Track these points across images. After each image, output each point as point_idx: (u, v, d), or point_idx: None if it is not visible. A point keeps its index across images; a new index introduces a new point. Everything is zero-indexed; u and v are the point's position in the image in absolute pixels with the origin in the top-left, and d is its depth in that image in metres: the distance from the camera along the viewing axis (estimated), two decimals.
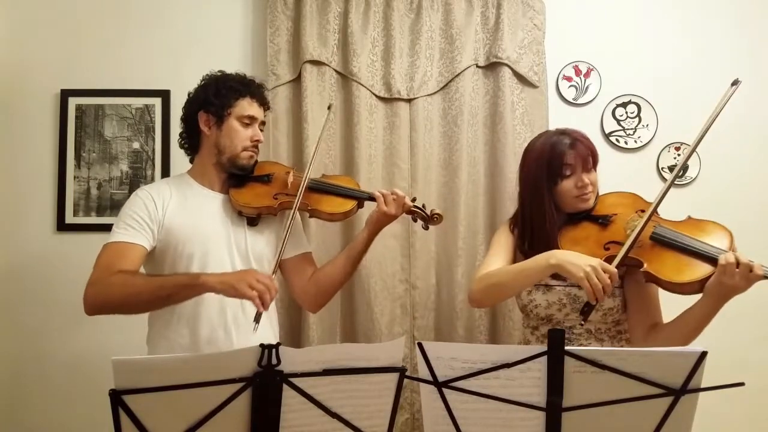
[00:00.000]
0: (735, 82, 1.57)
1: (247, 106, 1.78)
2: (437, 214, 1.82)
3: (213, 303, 1.68)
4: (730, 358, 2.07)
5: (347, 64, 2.36)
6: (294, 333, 2.34)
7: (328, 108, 2.01)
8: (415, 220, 1.87)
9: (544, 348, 1.17)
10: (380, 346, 1.53)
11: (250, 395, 1.15)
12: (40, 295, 2.39)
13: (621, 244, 1.58)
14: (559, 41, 2.46)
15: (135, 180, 2.41)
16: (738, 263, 1.43)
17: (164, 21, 2.46)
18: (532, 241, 1.72)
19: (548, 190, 1.69)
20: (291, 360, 1.16)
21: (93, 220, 2.41)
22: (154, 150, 2.43)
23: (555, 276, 1.66)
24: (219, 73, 1.83)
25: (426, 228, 1.87)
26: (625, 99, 2.47)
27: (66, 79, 2.43)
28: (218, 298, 1.66)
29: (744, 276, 1.43)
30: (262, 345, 1.14)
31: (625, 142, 2.47)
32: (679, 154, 2.45)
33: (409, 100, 2.38)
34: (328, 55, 2.37)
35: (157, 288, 1.59)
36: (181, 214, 1.73)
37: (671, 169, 2.44)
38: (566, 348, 1.16)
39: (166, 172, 2.40)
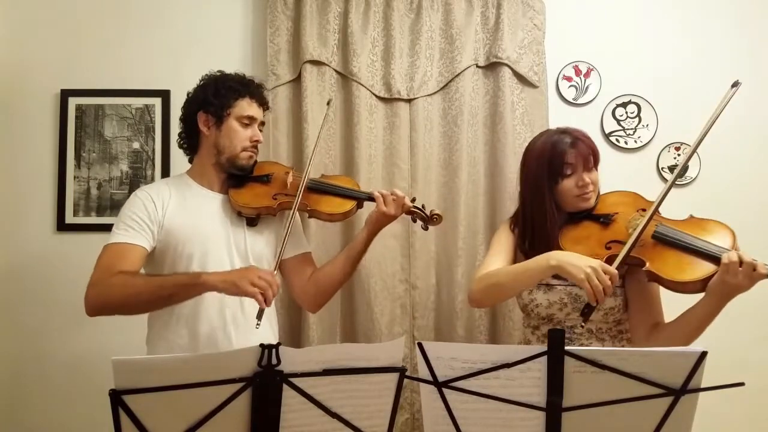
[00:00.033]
0: (735, 84, 1.56)
1: (246, 107, 1.78)
2: (437, 214, 1.82)
3: (212, 303, 1.69)
4: (730, 358, 2.07)
5: (347, 64, 2.36)
6: (294, 333, 2.34)
7: (327, 103, 1.99)
8: (414, 221, 1.87)
9: (544, 348, 1.17)
10: (380, 346, 1.53)
11: (250, 395, 1.15)
12: (40, 295, 2.39)
13: (623, 243, 1.57)
14: (559, 41, 2.46)
15: (135, 180, 2.41)
16: (741, 262, 1.43)
17: (164, 21, 2.46)
18: (532, 240, 1.72)
19: (549, 189, 1.69)
20: (291, 360, 1.16)
21: (93, 220, 2.41)
22: (154, 150, 2.43)
23: (556, 275, 1.66)
24: (218, 73, 1.83)
25: (425, 228, 1.87)
26: (625, 99, 2.47)
27: (66, 79, 2.43)
28: (217, 299, 1.66)
29: (747, 275, 1.42)
30: (262, 345, 1.14)
31: (625, 142, 2.47)
32: (679, 154, 2.45)
33: (409, 100, 2.38)
34: (328, 55, 2.37)
35: (158, 288, 1.59)
36: (180, 214, 1.73)
37: (671, 169, 2.45)
38: (566, 348, 1.16)
39: (166, 172, 2.40)
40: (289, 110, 2.38)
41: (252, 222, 1.79)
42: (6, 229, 2.41)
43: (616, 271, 1.49)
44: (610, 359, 1.16)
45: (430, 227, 1.87)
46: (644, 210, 1.64)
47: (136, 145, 2.44)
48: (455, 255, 2.33)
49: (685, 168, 2.41)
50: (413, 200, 1.82)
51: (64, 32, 2.44)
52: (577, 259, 1.52)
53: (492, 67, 2.40)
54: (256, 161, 1.83)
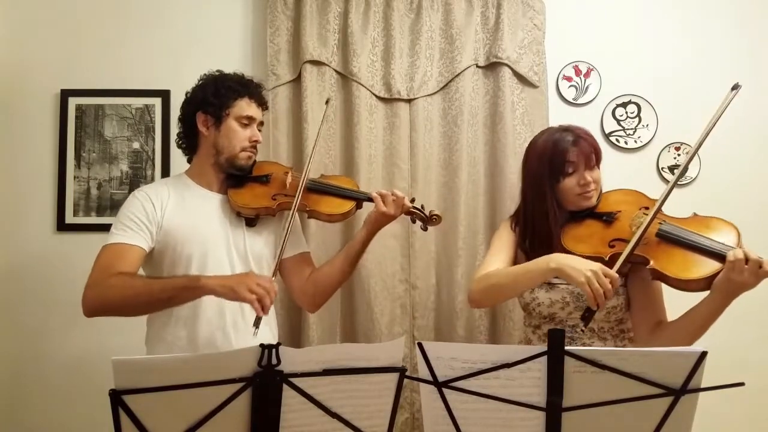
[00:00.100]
0: (735, 87, 1.55)
1: (245, 107, 1.77)
2: (436, 215, 1.82)
3: (212, 305, 1.68)
4: (730, 358, 2.07)
5: (347, 64, 2.36)
6: (294, 333, 2.34)
7: (326, 102, 1.97)
8: (413, 221, 1.87)
9: (544, 348, 1.17)
10: (380, 346, 1.53)
11: (250, 395, 1.15)
12: (40, 295, 2.39)
13: (626, 241, 1.57)
14: (559, 41, 2.46)
15: (135, 180, 2.41)
16: (747, 259, 1.42)
17: (164, 21, 2.46)
18: (533, 238, 1.71)
19: (550, 187, 1.68)
20: (291, 360, 1.16)
21: (93, 220, 2.41)
22: (154, 150, 2.43)
23: None
24: (217, 73, 1.82)
25: (425, 229, 1.87)
26: (625, 99, 2.47)
27: (66, 79, 2.43)
28: (217, 301, 1.66)
29: (753, 272, 1.42)
30: (262, 345, 1.14)
31: (625, 142, 2.47)
32: (679, 154, 2.45)
33: (409, 101, 2.38)
34: (328, 55, 2.37)
35: (157, 290, 1.58)
36: (179, 214, 1.73)
37: (671, 169, 2.45)
38: (566, 348, 1.16)
39: (166, 172, 2.40)
40: (289, 110, 2.38)
41: (251, 222, 1.79)
42: (6, 229, 2.41)
43: (617, 275, 1.48)
44: (610, 359, 1.16)
45: (430, 228, 1.87)
46: (647, 208, 1.63)
47: (136, 145, 2.44)
48: (455, 255, 2.33)
49: (685, 168, 2.41)
50: (412, 200, 1.82)
51: (64, 32, 2.44)
52: (578, 263, 1.51)
53: (492, 67, 2.40)
54: (255, 161, 1.83)
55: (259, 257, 1.78)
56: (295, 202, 1.71)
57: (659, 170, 2.46)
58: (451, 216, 2.32)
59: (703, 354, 1.14)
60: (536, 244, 1.70)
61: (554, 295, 1.67)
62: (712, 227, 1.57)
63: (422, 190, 2.35)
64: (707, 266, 1.49)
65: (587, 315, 1.50)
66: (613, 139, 2.46)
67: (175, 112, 1.87)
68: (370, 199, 1.79)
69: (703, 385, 1.16)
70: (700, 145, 1.57)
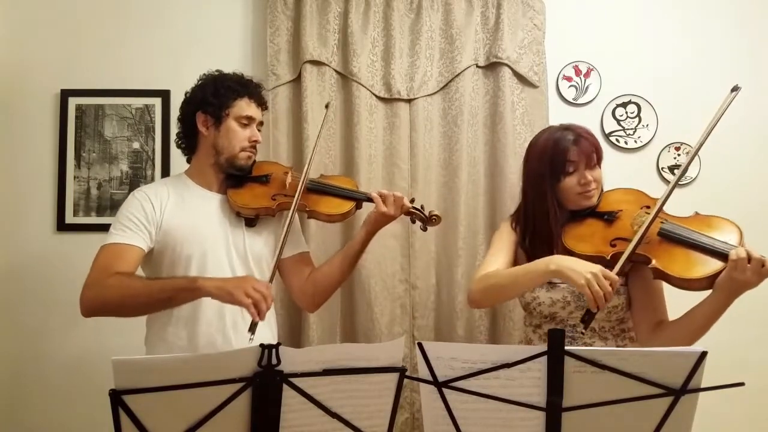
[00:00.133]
0: (735, 89, 1.54)
1: (245, 107, 1.77)
2: (435, 215, 1.82)
3: (212, 306, 1.67)
4: (730, 358, 2.06)
5: (347, 64, 2.36)
6: (294, 333, 2.34)
7: (326, 107, 1.96)
8: (413, 222, 1.86)
9: (544, 348, 1.17)
10: (380, 346, 1.53)
11: (250, 395, 1.15)
12: (40, 295, 2.39)
13: (627, 240, 1.56)
14: (559, 41, 2.46)
15: (135, 180, 2.41)
16: (750, 258, 1.41)
17: (164, 21, 2.46)
18: (533, 238, 1.71)
19: (551, 186, 1.68)
20: (291, 360, 1.15)
21: (93, 220, 2.41)
22: (154, 150, 2.43)
23: None
24: (216, 73, 1.82)
25: (424, 229, 1.87)
26: (625, 99, 2.47)
27: (66, 79, 2.43)
28: (217, 302, 1.65)
29: (756, 271, 1.41)
30: (262, 345, 1.14)
31: (625, 142, 2.47)
32: (679, 154, 2.45)
33: (409, 101, 2.38)
34: (328, 55, 2.37)
35: (155, 291, 1.58)
36: (178, 215, 1.73)
37: (671, 169, 2.45)
38: (566, 348, 1.16)
39: (166, 172, 2.40)
40: (289, 110, 2.38)
41: (251, 222, 1.79)
42: (6, 229, 2.41)
43: (617, 277, 1.48)
44: (610, 359, 1.15)
45: (429, 228, 1.86)
46: (648, 207, 1.63)
47: (136, 145, 2.44)
48: (455, 255, 2.33)
49: (685, 169, 2.41)
50: (412, 201, 1.82)
51: (64, 32, 2.44)
52: (577, 265, 1.50)
53: (492, 67, 2.40)
54: (254, 161, 1.83)
55: (259, 257, 1.78)
56: (294, 202, 1.71)
57: (659, 170, 2.46)
58: (451, 216, 2.32)
59: (703, 354, 1.14)
60: (536, 244, 1.70)
61: (555, 294, 1.67)
62: (714, 226, 1.57)
63: (422, 190, 2.35)
64: (709, 265, 1.48)
65: (587, 317, 1.50)
66: (613, 139, 2.46)
67: (175, 112, 1.87)
68: (370, 200, 1.79)
69: (703, 385, 1.16)
70: (700, 146, 1.57)
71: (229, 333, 1.70)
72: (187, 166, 1.87)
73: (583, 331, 1.56)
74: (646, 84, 2.47)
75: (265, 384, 1.15)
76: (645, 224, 1.53)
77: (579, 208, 1.70)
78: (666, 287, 1.60)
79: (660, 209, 1.55)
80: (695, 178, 2.44)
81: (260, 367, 1.14)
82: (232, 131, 1.76)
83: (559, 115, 2.38)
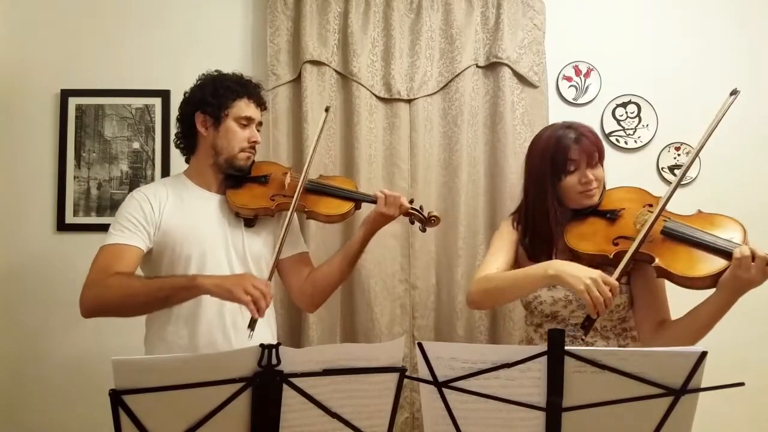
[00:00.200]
0: (734, 92, 1.53)
1: (244, 107, 1.77)
2: (434, 216, 1.82)
3: (211, 305, 1.68)
4: (730, 358, 2.06)
5: (347, 64, 2.36)
6: (294, 333, 2.34)
7: (326, 110, 1.91)
8: (412, 222, 1.86)
9: (544, 348, 1.17)
10: (380, 346, 1.53)
11: (250, 395, 1.15)
12: (40, 295, 2.39)
13: (630, 239, 1.55)
14: (559, 41, 2.46)
15: (135, 180, 2.41)
16: (754, 256, 1.40)
17: (164, 21, 2.46)
18: (533, 236, 1.71)
19: (552, 185, 1.67)
20: (291, 360, 1.15)
21: (93, 220, 2.41)
22: (154, 150, 2.43)
23: None
24: (215, 73, 1.82)
25: (423, 230, 1.87)
26: (625, 99, 2.47)
27: (66, 79, 2.43)
28: (217, 301, 1.66)
29: (760, 269, 1.40)
30: (262, 345, 1.14)
31: (625, 142, 2.47)
32: (679, 154, 2.45)
33: (409, 101, 2.38)
34: (328, 55, 2.37)
35: (154, 290, 1.58)
36: (177, 215, 1.73)
37: (671, 169, 2.45)
38: (566, 348, 1.16)
39: (166, 172, 2.40)
40: (289, 110, 2.38)
41: (250, 223, 1.78)
42: (6, 229, 2.41)
43: (617, 283, 1.47)
44: (610, 359, 1.15)
45: (428, 229, 1.86)
46: (651, 206, 1.62)
47: (136, 145, 2.44)
48: (455, 255, 2.32)
49: (686, 169, 2.41)
50: (411, 201, 1.82)
51: (64, 32, 2.44)
52: (577, 270, 1.49)
53: (492, 67, 2.40)
54: (253, 162, 1.83)
55: (258, 257, 1.78)
56: (293, 202, 1.71)
57: (659, 170, 2.46)
58: (451, 216, 2.32)
59: (703, 354, 1.14)
60: (537, 243, 1.70)
61: (557, 293, 1.66)
62: (717, 224, 1.56)
63: (422, 190, 2.35)
64: (713, 264, 1.47)
65: (587, 323, 1.49)
66: (613, 139, 2.46)
67: (175, 112, 1.87)
68: (369, 200, 1.79)
69: (703, 385, 1.16)
70: (700, 149, 1.56)
71: (229, 332, 1.70)
72: (186, 166, 1.87)
73: (583, 337, 1.55)
74: (646, 84, 2.47)
75: (265, 384, 1.15)
76: (648, 223, 1.52)
77: (580, 207, 1.69)
78: (668, 286, 1.60)
79: (663, 208, 1.54)
80: (695, 178, 2.44)
81: (260, 367, 1.14)
82: (232, 132, 1.76)
83: (559, 115, 2.37)
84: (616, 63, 2.47)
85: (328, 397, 1.19)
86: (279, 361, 1.14)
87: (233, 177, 1.80)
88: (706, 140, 1.53)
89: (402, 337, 1.33)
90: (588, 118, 2.42)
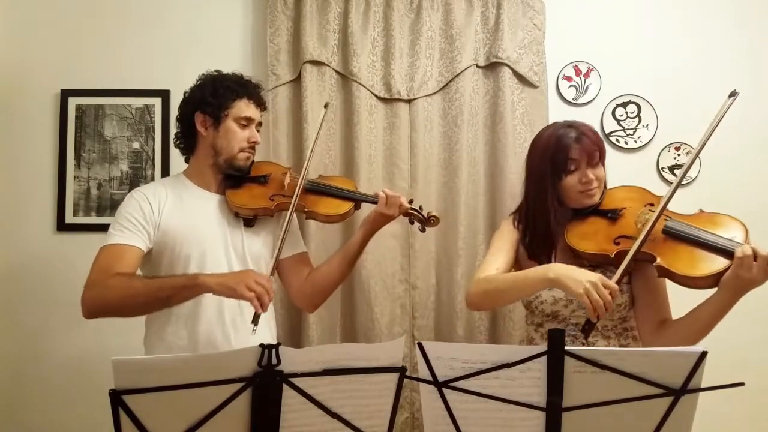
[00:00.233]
0: (733, 94, 1.53)
1: (244, 108, 1.77)
2: (434, 216, 1.82)
3: (211, 305, 1.68)
4: (730, 358, 2.06)
5: (347, 64, 2.36)
6: (294, 333, 2.34)
7: (325, 107, 1.92)
8: (411, 222, 1.86)
9: (544, 348, 1.17)
10: (380, 346, 1.53)
11: (250, 395, 1.15)
12: (40, 295, 2.39)
13: (631, 238, 1.55)
14: (559, 41, 2.46)
15: (135, 180, 2.41)
16: (756, 255, 1.40)
17: (164, 21, 2.46)
18: (533, 236, 1.71)
19: (552, 184, 1.67)
20: (291, 360, 1.15)
21: (93, 220, 2.41)
22: (154, 150, 2.43)
23: None
24: (215, 73, 1.82)
25: (423, 230, 1.87)
26: (625, 99, 2.47)
27: (66, 79, 2.43)
28: (216, 300, 1.66)
29: (762, 269, 1.40)
30: (262, 345, 1.14)
31: (625, 142, 2.47)
32: (679, 154, 2.45)
33: (409, 101, 2.38)
34: (328, 55, 2.37)
35: (156, 290, 1.58)
36: (177, 215, 1.73)
37: (671, 169, 2.45)
38: (566, 348, 1.16)
39: (166, 172, 2.40)
40: (289, 110, 2.38)
41: (249, 223, 1.78)
42: (6, 229, 2.41)
43: (617, 286, 1.46)
44: (610, 359, 1.15)
45: (428, 229, 1.86)
46: (652, 205, 1.62)
47: (136, 145, 2.44)
48: (455, 255, 2.32)
49: (687, 169, 2.41)
50: (410, 202, 1.82)
51: (64, 32, 2.44)
52: (576, 273, 1.48)
53: (492, 67, 2.40)
54: (253, 162, 1.83)
55: (257, 258, 1.78)
56: (293, 202, 1.71)
57: (659, 170, 2.46)
58: (451, 216, 2.32)
59: (703, 354, 1.14)
60: (537, 242, 1.69)
61: (557, 293, 1.65)
62: (719, 223, 1.55)
63: (422, 190, 2.35)
64: (715, 263, 1.47)
65: (587, 327, 1.48)
66: (613, 139, 2.46)
67: (174, 112, 1.87)
68: (369, 200, 1.80)
69: (703, 385, 1.16)
70: (699, 151, 1.56)
71: (228, 331, 1.70)
72: (186, 166, 1.87)
73: (584, 341, 1.55)
74: (646, 84, 2.47)
75: (265, 384, 1.14)
76: (649, 222, 1.52)
77: (581, 206, 1.69)
78: (669, 286, 1.59)
79: (664, 207, 1.54)
80: (695, 178, 2.44)
81: (260, 367, 1.14)
82: (231, 132, 1.76)
83: (559, 116, 2.37)
84: (616, 63, 2.47)
85: (328, 397, 1.19)
86: (279, 361, 1.14)
87: (233, 177, 1.80)
88: (706, 142, 1.53)
89: (402, 337, 1.34)
90: (588, 118, 2.41)
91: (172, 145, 1.96)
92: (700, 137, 1.54)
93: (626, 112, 2.47)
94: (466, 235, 2.33)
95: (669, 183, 2.41)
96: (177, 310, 1.67)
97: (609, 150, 2.40)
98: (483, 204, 2.37)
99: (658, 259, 1.51)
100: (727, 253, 1.46)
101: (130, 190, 1.81)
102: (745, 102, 1.72)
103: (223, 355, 1.33)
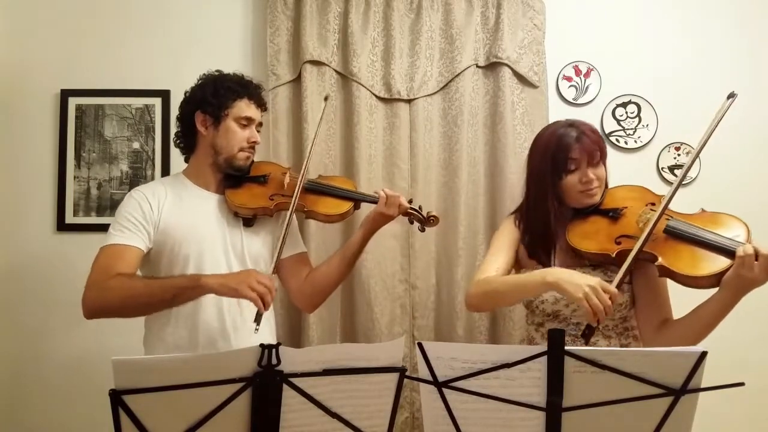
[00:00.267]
0: (731, 95, 1.52)
1: (244, 107, 1.77)
2: (433, 216, 1.82)
3: (211, 305, 1.68)
4: (730, 358, 2.06)
5: (347, 64, 2.36)
6: (294, 333, 2.34)
7: (325, 99, 1.91)
8: (411, 222, 1.86)
9: (544, 348, 1.16)
10: (380, 346, 1.53)
11: (250, 395, 1.15)
12: (40, 295, 2.39)
13: (633, 237, 1.54)
14: (559, 41, 2.46)
15: (135, 180, 2.41)
16: (757, 255, 1.39)
17: (164, 21, 2.46)
18: (533, 235, 1.70)
19: (552, 184, 1.66)
20: (291, 360, 1.15)
21: (93, 220, 2.41)
22: (154, 150, 2.43)
23: (564, 266, 1.65)
24: (216, 73, 1.82)
25: (422, 230, 1.87)
26: (625, 99, 2.47)
27: (66, 79, 2.43)
28: (216, 300, 1.66)
29: (764, 268, 1.39)
30: (262, 345, 1.14)
31: (625, 142, 2.47)
32: (679, 154, 2.45)
33: (409, 101, 2.38)
34: (328, 55, 2.37)
35: (158, 291, 1.58)
36: (176, 214, 1.72)
37: (671, 169, 2.45)
38: (566, 348, 1.16)
39: (166, 172, 2.40)
40: (289, 110, 2.38)
41: (248, 222, 1.78)
42: (6, 229, 2.41)
43: (616, 290, 1.45)
44: (610, 359, 1.15)
45: (427, 228, 1.86)
46: (653, 204, 1.61)
47: (136, 145, 2.44)
48: (455, 255, 2.32)
49: (687, 170, 2.40)
50: (410, 201, 1.82)
51: (64, 32, 2.44)
52: (575, 277, 1.48)
53: (492, 67, 2.40)
54: (252, 162, 1.83)
55: (257, 257, 1.78)
56: (292, 202, 1.71)
57: (659, 170, 2.46)
58: (451, 216, 2.32)
59: (703, 354, 1.14)
60: (536, 241, 1.69)
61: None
62: (720, 223, 1.55)
63: (422, 190, 2.35)
64: (717, 263, 1.47)
65: (587, 332, 1.47)
66: (613, 139, 2.46)
67: (175, 112, 1.88)
68: (369, 200, 1.80)
69: (703, 385, 1.16)
70: (698, 153, 1.56)
71: (228, 332, 1.70)
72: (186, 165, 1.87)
73: (584, 346, 1.54)
74: (646, 84, 2.47)
75: (265, 384, 1.15)
76: (651, 222, 1.51)
77: (581, 206, 1.68)
78: (670, 285, 1.59)
79: (666, 206, 1.53)
80: (695, 178, 2.44)
81: (260, 367, 1.14)
82: (231, 131, 1.76)
83: (559, 115, 2.36)
84: (616, 63, 2.47)
85: (328, 397, 1.19)
86: (279, 361, 1.14)
87: (232, 177, 1.80)
88: (705, 143, 1.52)
89: (402, 337, 1.33)
90: (588, 118, 2.40)
91: (172, 145, 1.96)
92: (699, 138, 1.54)
93: (626, 112, 2.47)
94: (466, 235, 2.33)
95: (669, 183, 2.41)
96: (177, 311, 1.67)
97: (609, 150, 2.40)
98: (483, 204, 2.37)
99: (660, 259, 1.50)
100: (729, 253, 1.45)
101: (129, 190, 1.81)
102: (745, 102, 1.72)
103: (223, 355, 1.33)
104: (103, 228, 1.76)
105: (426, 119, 2.38)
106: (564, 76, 2.48)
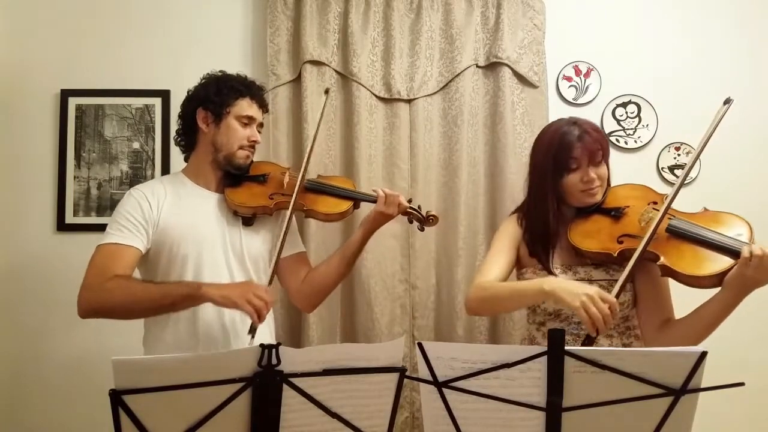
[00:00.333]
0: (727, 101, 1.51)
1: (246, 106, 1.77)
2: (433, 215, 1.82)
3: (211, 306, 1.66)
4: (730, 358, 2.06)
5: (347, 64, 2.36)
6: (294, 333, 2.34)
7: (325, 92, 1.88)
8: (410, 222, 1.86)
9: (544, 348, 1.16)
10: (380, 346, 1.53)
11: (250, 395, 1.15)
12: (40, 295, 2.39)
13: (635, 237, 1.54)
14: (559, 41, 2.46)
15: (135, 180, 2.41)
16: (763, 255, 1.39)
17: (164, 21, 2.46)
18: (533, 234, 1.70)
19: (554, 182, 1.66)
20: (291, 360, 1.15)
21: (93, 220, 2.41)
22: (154, 150, 2.43)
23: (564, 270, 1.65)
24: (220, 73, 1.83)
25: (422, 229, 1.87)
26: (625, 99, 2.47)
27: (66, 79, 2.43)
28: None
29: (767, 268, 1.39)
30: (262, 345, 1.14)
31: (625, 142, 2.47)
32: (679, 154, 2.45)
33: (409, 101, 2.38)
34: (328, 55, 2.37)
35: (157, 297, 1.58)
36: (175, 213, 1.72)
37: (671, 169, 2.45)
38: (566, 348, 1.16)
39: (166, 172, 2.40)
40: (289, 110, 2.38)
41: (248, 222, 1.78)
42: (6, 229, 2.41)
43: (615, 300, 1.44)
44: (610, 359, 1.15)
45: (426, 228, 1.86)
46: (656, 203, 1.61)
47: (136, 145, 2.44)
48: (455, 255, 2.32)
49: (688, 170, 2.40)
50: (409, 201, 1.82)
51: (64, 32, 2.44)
52: (572, 286, 1.47)
53: (492, 67, 2.40)
54: (252, 161, 1.83)
55: (256, 257, 1.78)
56: (292, 201, 1.71)
57: (659, 170, 2.46)
58: (451, 216, 2.32)
59: (703, 354, 1.14)
60: (536, 240, 1.69)
61: None
62: (723, 222, 1.54)
63: (422, 190, 2.35)
64: (719, 262, 1.46)
65: (587, 342, 1.46)
66: (613, 139, 2.46)
67: (175, 112, 1.88)
68: (367, 199, 1.80)
69: (703, 385, 1.16)
70: (698, 155, 1.56)
71: (228, 333, 1.70)
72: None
73: None
74: (646, 84, 2.47)
75: (265, 384, 1.15)
76: (654, 221, 1.50)
77: (583, 205, 1.68)
78: (672, 284, 1.58)
79: (669, 206, 1.52)
80: (695, 178, 2.44)
81: (260, 367, 1.14)
82: (232, 129, 1.76)
83: (559, 115, 2.33)
84: (616, 63, 2.47)
85: (328, 397, 1.19)
86: (279, 361, 1.14)
87: (232, 176, 1.80)
88: (703, 147, 1.52)
89: (402, 337, 1.34)
90: (588, 118, 2.38)
91: (172, 145, 1.97)
92: (699, 139, 1.53)
93: (626, 112, 2.47)
94: (466, 235, 2.33)
95: (669, 183, 2.41)
96: (176, 312, 1.67)
97: (609, 150, 2.42)
98: (483, 204, 2.37)
99: (662, 258, 1.49)
100: (732, 253, 1.44)
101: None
102: (745, 102, 1.73)
103: (223, 355, 1.33)
104: (103, 228, 1.75)
105: (426, 119, 2.38)
106: (564, 76, 2.48)
